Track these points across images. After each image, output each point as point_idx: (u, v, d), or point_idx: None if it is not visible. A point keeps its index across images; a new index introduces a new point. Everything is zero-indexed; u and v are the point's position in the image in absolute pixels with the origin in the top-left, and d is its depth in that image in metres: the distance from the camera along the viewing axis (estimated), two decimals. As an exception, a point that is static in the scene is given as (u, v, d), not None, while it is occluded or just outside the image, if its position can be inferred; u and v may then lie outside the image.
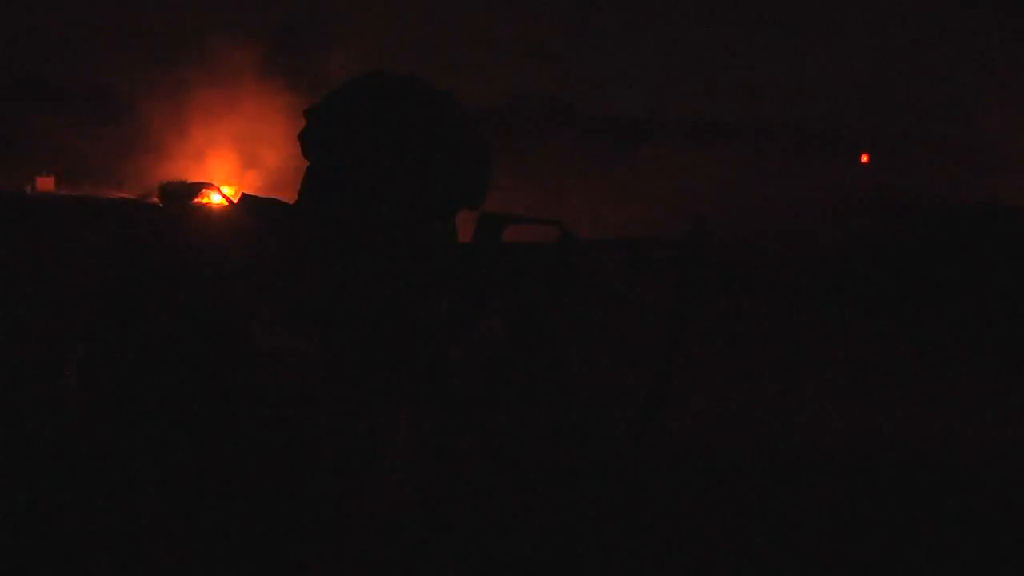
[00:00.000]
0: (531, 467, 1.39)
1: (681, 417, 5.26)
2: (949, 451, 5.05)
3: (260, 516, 1.15)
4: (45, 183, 17.54)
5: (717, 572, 3.37)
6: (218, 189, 1.27)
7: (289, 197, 1.31)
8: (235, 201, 1.26)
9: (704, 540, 3.56)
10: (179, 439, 1.13)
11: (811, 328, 9.06)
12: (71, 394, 1.19)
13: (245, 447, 1.14)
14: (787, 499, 4.08)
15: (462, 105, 1.31)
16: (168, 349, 1.14)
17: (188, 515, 1.15)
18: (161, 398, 1.13)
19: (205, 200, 1.26)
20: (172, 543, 1.15)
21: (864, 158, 19.08)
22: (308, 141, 1.30)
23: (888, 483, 4.42)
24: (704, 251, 1.46)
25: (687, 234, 1.47)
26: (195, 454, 1.14)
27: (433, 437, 1.29)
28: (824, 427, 5.47)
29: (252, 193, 1.27)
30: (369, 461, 1.22)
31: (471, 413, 1.29)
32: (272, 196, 1.29)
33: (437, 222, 1.30)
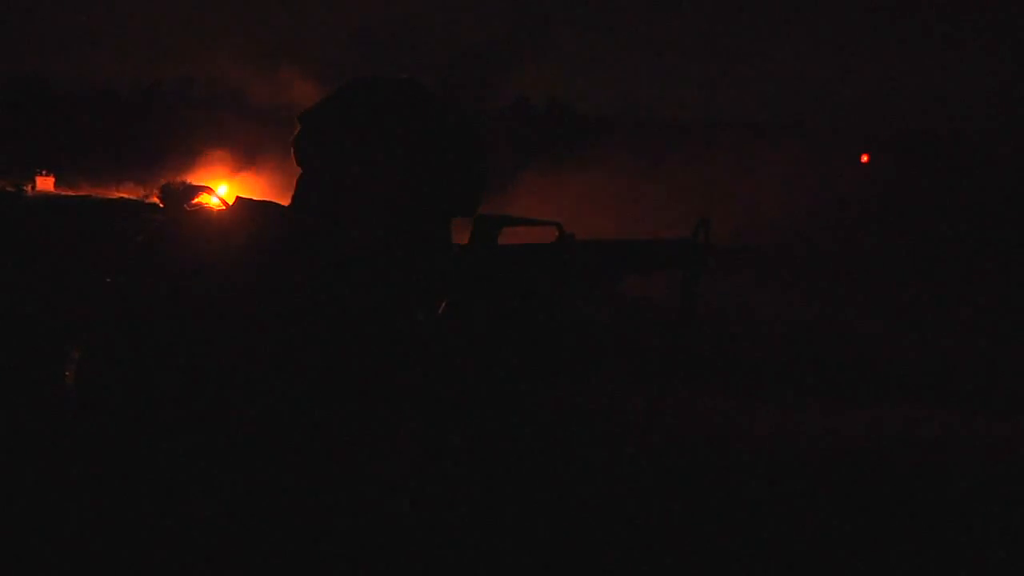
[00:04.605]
0: (527, 466, 1.39)
1: (683, 416, 5.26)
2: (949, 452, 5.05)
3: (260, 517, 1.15)
4: (45, 182, 17.53)
5: (716, 572, 3.36)
6: (214, 192, 1.26)
7: (285, 202, 1.31)
8: (230, 204, 1.26)
9: (703, 539, 3.56)
10: (177, 440, 1.13)
11: (812, 327, 9.05)
12: (70, 395, 1.19)
13: (243, 448, 1.14)
14: (786, 499, 4.08)
15: (458, 108, 1.30)
16: (166, 349, 1.14)
17: (187, 516, 1.15)
18: (159, 399, 1.13)
19: (202, 202, 1.26)
20: (172, 543, 1.15)
21: (864, 158, 19.08)
22: (301, 147, 1.29)
23: (886, 483, 4.42)
24: (706, 252, 1.46)
25: (690, 236, 1.47)
26: (194, 455, 1.13)
27: (430, 437, 1.29)
28: (824, 427, 5.47)
29: (247, 196, 1.27)
30: (367, 462, 1.22)
31: (467, 413, 1.29)
32: (267, 200, 1.29)
33: (431, 226, 1.29)
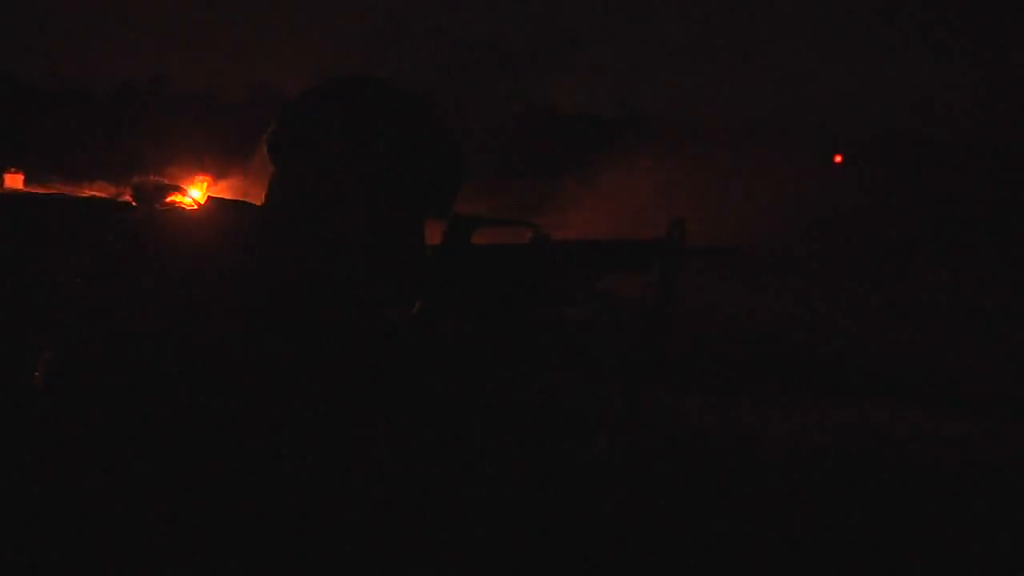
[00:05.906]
0: (504, 466, 1.39)
1: (661, 415, 5.28)
2: (945, 450, 5.09)
3: (235, 518, 1.14)
4: (14, 180, 17.31)
5: (714, 572, 3.37)
6: (186, 191, 1.26)
7: (257, 201, 1.30)
8: (202, 203, 1.25)
9: (685, 538, 3.57)
10: (150, 441, 1.12)
11: (788, 327, 9.12)
12: (39, 397, 1.18)
13: (217, 448, 1.13)
14: (779, 498, 4.10)
15: (435, 108, 1.30)
16: (137, 349, 1.13)
17: (161, 518, 1.14)
18: (131, 399, 1.12)
19: (174, 201, 1.25)
20: (146, 546, 1.14)
21: (838, 159, 19.23)
22: (275, 145, 1.28)
23: (882, 482, 4.44)
24: (681, 253, 1.47)
25: (665, 236, 1.47)
26: (166, 456, 1.12)
27: (406, 438, 1.28)
28: (803, 425, 5.51)
29: (219, 196, 1.26)
30: (347, 464, 1.21)
31: (444, 413, 1.29)
32: (239, 199, 1.28)
33: (405, 226, 1.28)
